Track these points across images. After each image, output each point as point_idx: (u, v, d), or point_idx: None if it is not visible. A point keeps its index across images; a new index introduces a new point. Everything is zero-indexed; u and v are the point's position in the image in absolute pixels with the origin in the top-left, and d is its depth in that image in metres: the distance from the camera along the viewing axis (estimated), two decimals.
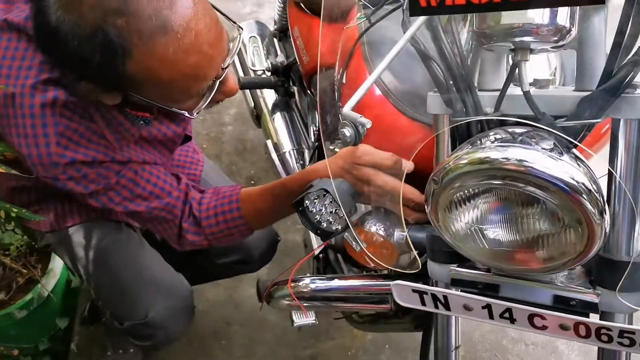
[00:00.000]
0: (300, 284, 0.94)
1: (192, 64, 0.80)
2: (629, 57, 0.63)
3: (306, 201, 0.87)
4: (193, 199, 1.09)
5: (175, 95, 0.86)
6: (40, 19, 0.80)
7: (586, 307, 0.72)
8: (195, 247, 1.11)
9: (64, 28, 0.77)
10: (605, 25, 0.68)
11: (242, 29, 0.95)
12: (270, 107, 1.89)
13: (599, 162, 0.71)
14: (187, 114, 0.90)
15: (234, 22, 0.96)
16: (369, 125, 0.69)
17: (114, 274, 1.23)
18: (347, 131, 0.70)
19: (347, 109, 0.70)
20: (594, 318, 0.72)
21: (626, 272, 0.67)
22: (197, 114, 0.91)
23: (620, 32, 0.62)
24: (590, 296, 0.72)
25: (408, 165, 0.71)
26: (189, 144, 1.41)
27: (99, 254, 1.22)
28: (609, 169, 0.68)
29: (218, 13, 0.87)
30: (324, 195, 0.86)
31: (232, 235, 1.10)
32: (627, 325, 0.67)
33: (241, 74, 2.01)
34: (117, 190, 1.00)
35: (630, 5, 0.60)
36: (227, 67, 0.88)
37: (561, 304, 0.74)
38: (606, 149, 0.75)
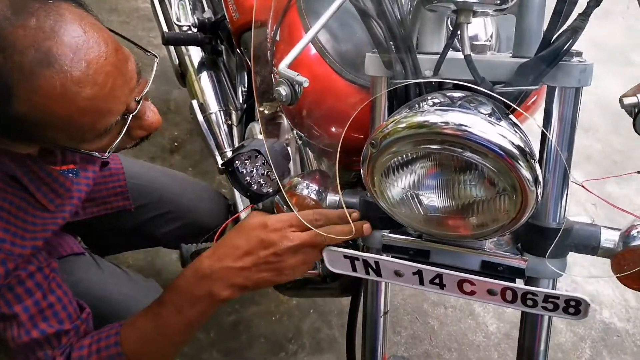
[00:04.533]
0: None
1: (89, 97, 0.72)
2: (566, 25, 0.63)
3: (236, 162, 0.83)
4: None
5: (80, 135, 0.77)
6: None
7: (513, 273, 0.74)
8: None
9: None
10: None
11: (157, 58, 0.87)
12: (196, 65, 1.80)
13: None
14: (97, 155, 0.82)
15: (147, 51, 0.87)
16: (306, 84, 0.65)
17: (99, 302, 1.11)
18: (283, 90, 0.65)
19: (282, 66, 0.66)
20: (519, 283, 0.73)
21: (556, 240, 0.68)
22: (109, 153, 0.83)
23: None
24: (517, 262, 0.73)
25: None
26: None
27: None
28: (544, 134, 0.68)
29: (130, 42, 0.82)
30: (256, 156, 0.82)
31: None
32: (552, 291, 0.69)
33: (165, 29, 1.90)
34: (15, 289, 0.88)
35: None
36: (140, 100, 0.80)
37: (489, 269, 0.76)
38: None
